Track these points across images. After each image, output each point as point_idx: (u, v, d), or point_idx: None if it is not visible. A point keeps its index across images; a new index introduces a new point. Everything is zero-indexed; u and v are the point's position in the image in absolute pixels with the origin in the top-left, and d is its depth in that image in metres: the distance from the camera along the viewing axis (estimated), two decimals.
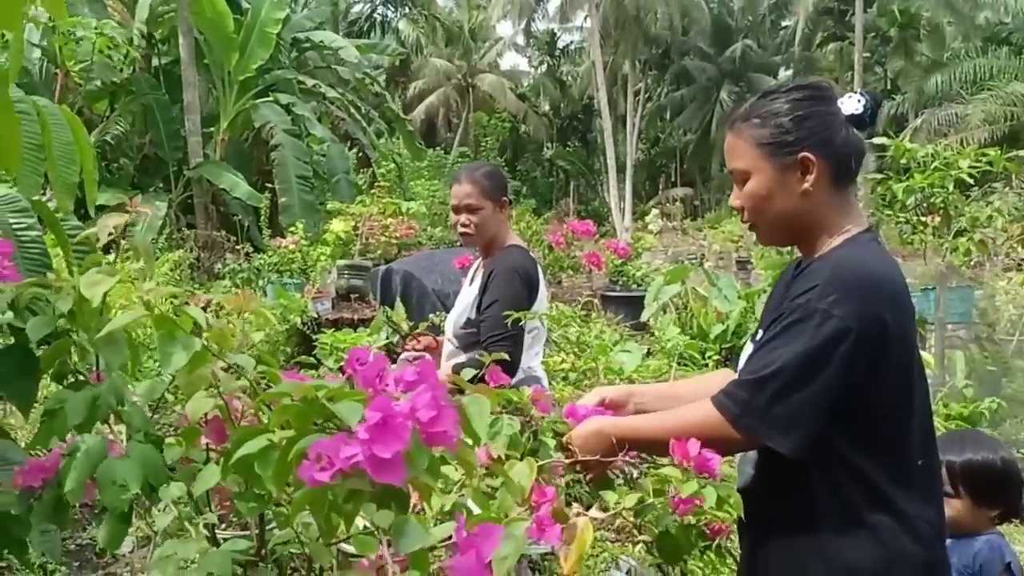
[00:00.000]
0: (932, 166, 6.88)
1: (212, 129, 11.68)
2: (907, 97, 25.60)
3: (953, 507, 1.64)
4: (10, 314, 1.28)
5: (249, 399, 1.13)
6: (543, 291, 2.90)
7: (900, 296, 1.44)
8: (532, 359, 2.83)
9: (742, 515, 1.31)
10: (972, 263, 10.13)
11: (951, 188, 6.83)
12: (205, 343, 1.06)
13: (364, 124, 12.64)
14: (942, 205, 7.13)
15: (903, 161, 6.93)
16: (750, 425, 1.39)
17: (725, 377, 1.74)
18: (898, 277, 1.46)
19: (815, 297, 1.38)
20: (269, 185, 10.61)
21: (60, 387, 1.33)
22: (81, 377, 1.33)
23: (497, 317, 2.59)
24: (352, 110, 12.53)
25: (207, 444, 1.28)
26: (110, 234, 1.24)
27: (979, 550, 2.04)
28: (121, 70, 11.12)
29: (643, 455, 1.49)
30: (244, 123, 11.77)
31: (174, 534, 1.24)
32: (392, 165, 12.50)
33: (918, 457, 1.44)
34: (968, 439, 2.25)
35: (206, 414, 1.21)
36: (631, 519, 1.46)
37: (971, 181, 6.69)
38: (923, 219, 7.58)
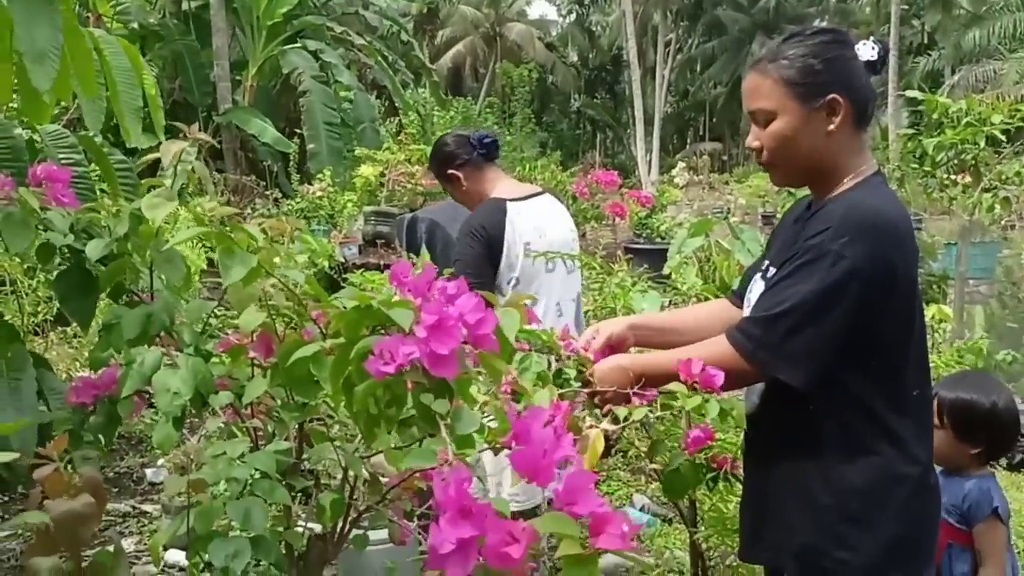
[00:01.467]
0: (964, 122, 6.79)
1: (240, 75, 11.72)
2: (944, 53, 24.99)
3: (936, 437, 1.73)
4: (71, 236, 1.38)
5: (294, 315, 1.23)
6: (519, 231, 2.79)
7: (907, 237, 1.51)
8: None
9: (746, 429, 1.40)
10: (1003, 222, 10.03)
11: (982, 144, 6.75)
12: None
13: (391, 72, 12.61)
14: (973, 162, 7.06)
15: (935, 116, 6.85)
16: (764, 359, 1.47)
17: (723, 306, 1.81)
18: (906, 219, 1.53)
19: (828, 238, 1.44)
20: (297, 131, 10.66)
21: (116, 305, 1.43)
22: (135, 296, 1.44)
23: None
24: (379, 58, 12.50)
25: (252, 359, 1.39)
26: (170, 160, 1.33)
27: (969, 491, 2.12)
28: (154, 13, 11.18)
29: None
30: (272, 69, 11.78)
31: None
32: (418, 116, 12.50)
33: (914, 387, 1.52)
34: (966, 379, 2.32)
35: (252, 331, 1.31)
36: (643, 447, 1.56)
37: (1003, 138, 6.61)
38: (953, 177, 7.51)
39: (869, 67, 1.55)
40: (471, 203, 2.94)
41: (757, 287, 1.60)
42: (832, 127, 1.52)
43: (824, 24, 1.71)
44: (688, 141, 38.05)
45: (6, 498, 3.78)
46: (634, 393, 1.42)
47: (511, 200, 2.83)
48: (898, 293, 1.47)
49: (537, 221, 2.85)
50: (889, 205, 1.52)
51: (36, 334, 4.57)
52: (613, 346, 1.70)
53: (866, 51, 1.54)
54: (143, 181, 1.97)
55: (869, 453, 1.48)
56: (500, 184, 2.92)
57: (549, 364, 1.64)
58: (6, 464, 1.02)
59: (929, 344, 4.42)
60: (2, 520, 3.61)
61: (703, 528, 2.09)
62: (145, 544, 3.41)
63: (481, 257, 2.72)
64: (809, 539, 1.51)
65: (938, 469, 2.20)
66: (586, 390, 1.58)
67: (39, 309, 4.42)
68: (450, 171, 2.90)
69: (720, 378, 1.37)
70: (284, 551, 1.38)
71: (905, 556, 1.50)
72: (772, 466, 1.58)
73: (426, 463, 1.01)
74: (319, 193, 8.37)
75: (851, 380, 1.49)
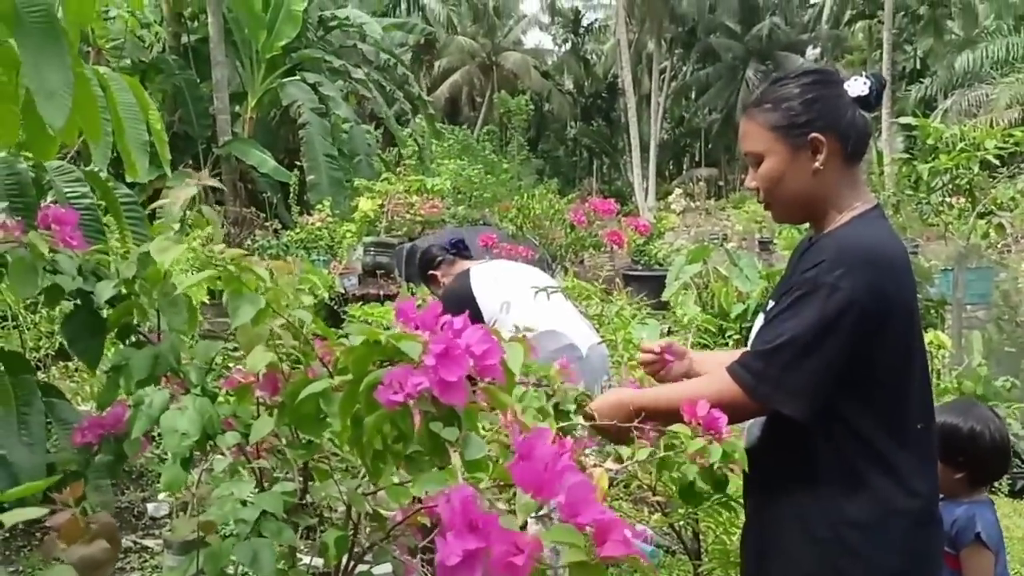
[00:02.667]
0: (958, 147, 6.85)
1: (239, 108, 11.82)
2: (936, 78, 25.24)
3: None
4: (79, 279, 1.40)
5: (300, 354, 1.25)
6: (485, 296, 3.06)
7: (902, 270, 1.53)
8: None
9: (747, 470, 1.42)
10: (999, 247, 10.08)
11: (976, 169, 6.80)
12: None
13: (386, 105, 12.72)
14: (968, 186, 7.10)
15: (929, 141, 6.91)
16: (765, 394, 1.49)
17: None
18: (901, 252, 1.55)
19: (823, 271, 1.47)
20: (296, 163, 10.73)
21: (123, 346, 1.45)
22: (142, 337, 1.46)
23: None
24: (377, 90, 12.61)
25: (258, 399, 1.40)
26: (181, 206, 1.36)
27: (958, 517, 2.13)
28: (150, 48, 11.28)
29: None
30: (271, 101, 11.89)
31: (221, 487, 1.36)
32: (415, 147, 12.60)
33: (916, 421, 1.53)
34: (956, 406, 2.34)
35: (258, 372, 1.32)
36: (647, 480, 1.57)
37: (997, 162, 6.66)
38: (949, 200, 7.55)
39: (861, 103, 1.58)
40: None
41: (758, 323, 1.62)
42: (818, 165, 1.55)
43: (815, 65, 1.76)
44: (684, 167, 38.31)
45: (7, 534, 3.77)
46: (634, 427, 1.43)
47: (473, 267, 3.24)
48: (895, 324, 1.49)
49: (496, 272, 3.25)
50: (884, 238, 1.54)
51: (38, 368, 4.57)
52: (673, 353, 1.79)
53: (856, 87, 1.57)
54: (151, 219, 2.00)
55: (868, 486, 1.49)
56: (466, 269, 3.28)
57: (547, 398, 1.66)
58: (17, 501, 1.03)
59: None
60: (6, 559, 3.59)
61: (707, 560, 2.09)
62: None
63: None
64: (809, 572, 1.52)
65: None
66: (586, 423, 1.60)
67: (41, 344, 4.44)
68: (431, 272, 3.34)
69: (724, 421, 1.38)
70: None
71: None
72: (772, 499, 1.59)
73: (438, 486, 1.03)
74: (318, 224, 8.41)
75: (850, 413, 1.50)
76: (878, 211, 1.60)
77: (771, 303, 1.62)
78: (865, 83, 1.56)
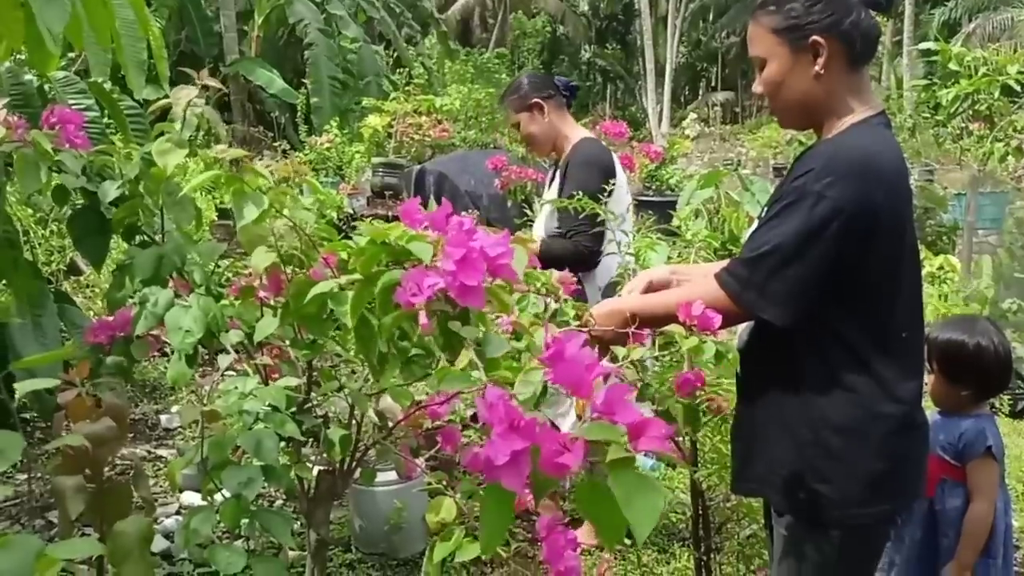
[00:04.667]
0: (980, 72, 6.70)
1: (246, 26, 11.63)
2: (961, 1, 24.48)
3: (929, 380, 1.78)
4: (84, 178, 1.41)
5: (303, 255, 1.26)
6: (622, 179, 2.97)
7: (894, 179, 1.51)
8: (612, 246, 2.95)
9: (739, 372, 1.44)
10: (1017, 173, 9.93)
11: (997, 94, 6.67)
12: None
13: (395, 26, 12.49)
14: (988, 112, 6.97)
15: (951, 66, 6.76)
16: (750, 300, 1.51)
17: None
18: (896, 161, 1.53)
19: (811, 179, 1.47)
20: (304, 83, 10.60)
21: (129, 246, 1.47)
22: (147, 238, 1.48)
23: (582, 213, 2.59)
24: (385, 11, 12.36)
25: (262, 300, 1.42)
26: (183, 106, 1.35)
27: (965, 430, 2.17)
28: None
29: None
30: (279, 20, 11.68)
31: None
32: (422, 69, 12.40)
33: (903, 330, 1.54)
34: (959, 322, 2.35)
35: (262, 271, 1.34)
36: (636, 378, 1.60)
37: (1019, 88, 6.52)
38: (969, 127, 7.42)
39: (870, 3, 1.54)
40: (542, 138, 3.01)
41: (751, 230, 1.63)
42: (818, 68, 1.53)
43: None
44: (700, 92, 37.61)
45: (28, 441, 3.87)
46: (632, 334, 1.45)
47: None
48: (882, 234, 1.48)
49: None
50: (879, 147, 1.52)
51: (49, 283, 4.63)
52: (654, 289, 1.74)
53: None
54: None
55: (849, 390, 1.51)
56: (576, 128, 3.07)
57: (546, 306, 1.68)
58: (35, 397, 1.06)
59: (937, 293, 4.44)
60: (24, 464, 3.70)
61: (703, 468, 2.13)
62: (161, 487, 3.50)
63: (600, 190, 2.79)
64: (791, 472, 1.55)
65: (936, 411, 2.26)
66: (584, 330, 1.62)
67: (52, 258, 4.48)
68: (537, 99, 2.97)
69: (717, 320, 1.40)
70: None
71: (885, 491, 1.53)
72: (758, 401, 1.63)
73: (463, 385, 1.05)
74: (327, 145, 8.35)
75: (835, 319, 1.52)
76: (881, 118, 1.57)
77: (765, 210, 1.62)
78: None
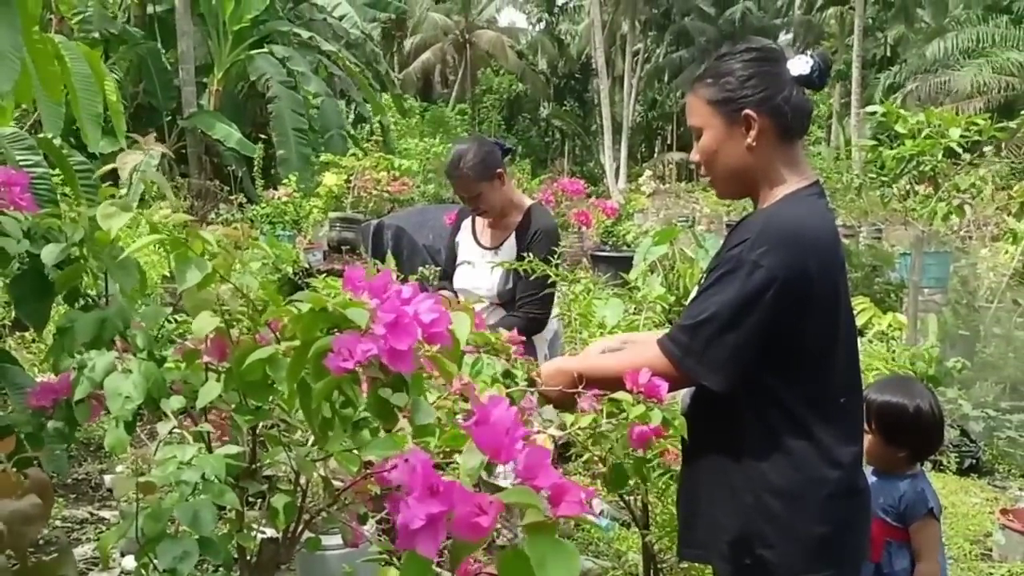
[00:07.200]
0: (923, 134, 6.92)
1: (206, 80, 11.64)
2: (906, 65, 25.46)
3: (866, 441, 1.82)
4: (26, 242, 1.39)
5: (249, 320, 1.25)
6: None
7: (826, 248, 1.56)
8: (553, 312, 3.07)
9: (685, 435, 1.45)
10: (961, 232, 10.24)
11: (940, 156, 6.88)
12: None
13: (360, 79, 12.59)
14: (931, 173, 7.19)
15: (897, 128, 6.97)
16: (690, 366, 1.54)
17: None
18: (827, 230, 1.58)
19: (746, 249, 1.51)
20: (262, 136, 10.61)
21: (71, 309, 1.44)
22: (90, 301, 1.45)
23: (539, 278, 2.73)
24: (346, 66, 12.47)
25: (206, 363, 1.40)
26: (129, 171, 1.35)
27: (904, 492, 2.21)
28: (115, 18, 11.06)
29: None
30: (239, 74, 11.71)
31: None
32: (379, 126, 12.51)
33: (840, 395, 1.57)
34: (896, 383, 2.41)
35: (207, 336, 1.32)
36: (596, 451, 1.60)
37: (960, 150, 6.75)
38: (916, 188, 7.64)
39: (803, 82, 1.60)
40: (499, 205, 3.10)
41: (691, 297, 1.66)
42: (750, 141, 1.58)
43: (759, 42, 1.76)
44: (656, 151, 38.38)
45: None
46: (577, 394, 1.46)
47: None
48: (817, 300, 1.52)
49: None
50: (812, 217, 1.56)
51: None
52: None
53: (798, 66, 1.59)
54: (103, 186, 1.99)
55: (788, 454, 1.53)
56: (517, 191, 3.24)
57: (505, 369, 1.68)
58: None
59: (885, 351, 4.53)
60: None
61: (655, 530, 2.13)
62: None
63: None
64: (735, 538, 1.56)
65: (870, 471, 2.29)
66: (531, 389, 1.63)
67: None
68: (499, 170, 3.08)
69: (664, 388, 1.42)
70: (236, 554, 1.39)
71: (829, 556, 1.54)
72: (702, 465, 1.64)
73: (387, 452, 1.04)
74: (284, 198, 8.33)
75: (774, 384, 1.54)
76: (813, 189, 1.61)
77: (704, 276, 1.65)
78: (807, 62, 1.59)
